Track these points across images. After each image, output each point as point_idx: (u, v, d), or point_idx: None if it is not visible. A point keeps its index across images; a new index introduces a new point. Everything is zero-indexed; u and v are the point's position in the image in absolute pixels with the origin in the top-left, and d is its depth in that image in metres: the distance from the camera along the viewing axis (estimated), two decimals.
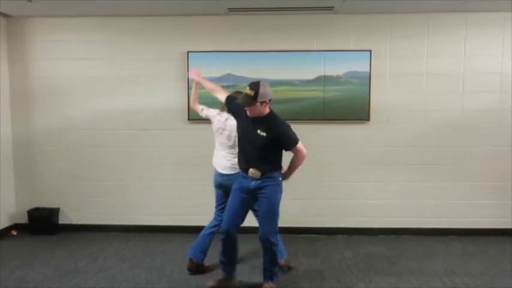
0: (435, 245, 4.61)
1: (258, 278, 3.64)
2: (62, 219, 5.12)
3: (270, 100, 3.30)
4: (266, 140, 3.26)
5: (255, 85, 3.22)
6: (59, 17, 4.87)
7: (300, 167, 3.44)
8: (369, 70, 4.74)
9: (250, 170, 3.33)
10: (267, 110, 3.32)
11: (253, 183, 3.35)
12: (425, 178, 4.88)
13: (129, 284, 3.70)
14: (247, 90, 3.23)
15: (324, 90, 4.78)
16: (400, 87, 4.80)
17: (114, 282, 3.72)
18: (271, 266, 3.48)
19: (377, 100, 4.79)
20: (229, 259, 3.56)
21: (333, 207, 4.96)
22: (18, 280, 3.77)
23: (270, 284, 3.48)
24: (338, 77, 4.77)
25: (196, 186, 4.90)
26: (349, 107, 4.80)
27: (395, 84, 4.80)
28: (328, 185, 4.96)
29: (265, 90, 3.22)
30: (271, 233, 3.38)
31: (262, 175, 3.33)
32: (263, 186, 3.35)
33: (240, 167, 3.46)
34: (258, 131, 3.27)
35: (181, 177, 5.01)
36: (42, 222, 4.99)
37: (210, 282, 3.58)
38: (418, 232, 4.89)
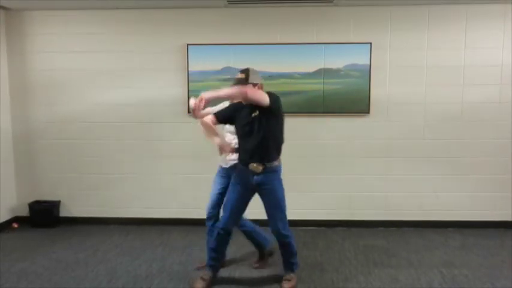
0: (435, 237, 4.62)
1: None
2: (63, 212, 5.14)
3: (262, 86, 3.33)
4: (260, 115, 3.19)
5: (244, 69, 3.34)
6: (58, 9, 4.84)
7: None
8: (369, 63, 4.73)
9: (252, 164, 3.28)
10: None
11: (255, 178, 3.30)
12: (425, 170, 4.88)
13: (130, 276, 3.72)
14: (238, 75, 3.32)
15: (323, 83, 4.76)
16: (400, 79, 4.79)
17: (114, 275, 3.74)
18: (289, 258, 3.51)
19: (377, 93, 4.78)
20: (220, 256, 3.55)
21: (332, 199, 4.97)
22: (19, 272, 3.79)
23: (291, 274, 3.52)
24: (338, 70, 4.76)
25: (196, 179, 4.92)
26: (349, 100, 4.79)
27: (396, 76, 4.79)
28: (328, 178, 4.96)
29: (255, 73, 3.33)
30: (282, 227, 3.37)
31: (263, 169, 3.28)
32: (265, 181, 3.30)
33: (241, 162, 3.40)
34: (253, 115, 3.22)
35: (181, 170, 5.02)
36: (43, 215, 5.01)
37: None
38: (417, 224, 4.90)
